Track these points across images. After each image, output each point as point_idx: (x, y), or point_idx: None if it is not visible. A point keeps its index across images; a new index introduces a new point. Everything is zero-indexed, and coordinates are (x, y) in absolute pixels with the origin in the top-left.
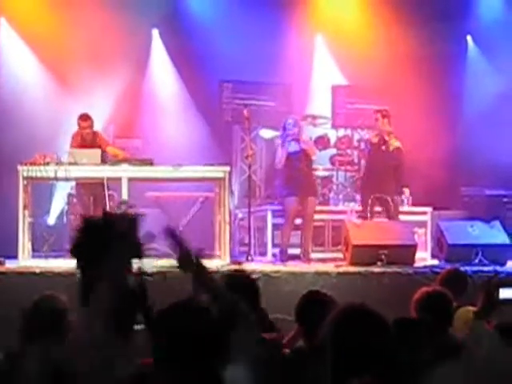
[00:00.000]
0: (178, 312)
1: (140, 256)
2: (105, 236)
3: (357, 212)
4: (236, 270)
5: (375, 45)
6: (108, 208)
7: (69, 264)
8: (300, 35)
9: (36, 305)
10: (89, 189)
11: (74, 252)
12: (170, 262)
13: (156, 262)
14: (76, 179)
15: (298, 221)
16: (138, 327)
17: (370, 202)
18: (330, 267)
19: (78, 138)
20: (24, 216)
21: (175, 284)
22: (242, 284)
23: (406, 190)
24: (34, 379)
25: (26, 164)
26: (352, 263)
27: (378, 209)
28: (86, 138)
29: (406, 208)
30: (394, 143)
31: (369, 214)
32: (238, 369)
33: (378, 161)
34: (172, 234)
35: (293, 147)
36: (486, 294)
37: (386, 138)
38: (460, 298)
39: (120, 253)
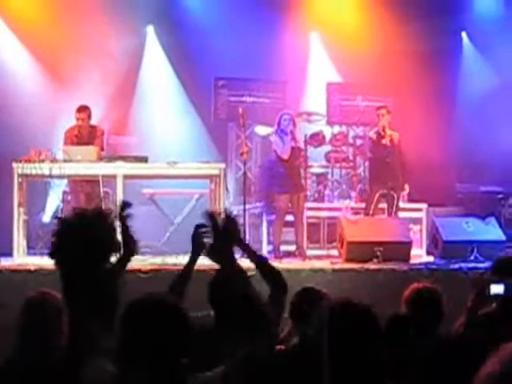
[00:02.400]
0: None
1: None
2: (79, 235)
3: (352, 208)
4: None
5: (370, 41)
6: (103, 205)
7: None
8: (295, 32)
9: (29, 302)
10: (81, 186)
11: (52, 253)
12: (162, 260)
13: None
14: (70, 176)
15: (291, 217)
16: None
17: (376, 198)
18: (325, 264)
19: (74, 132)
20: (19, 213)
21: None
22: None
23: (406, 187)
24: None
25: (20, 161)
26: (347, 260)
27: (382, 205)
28: (83, 133)
29: (401, 205)
30: (393, 135)
31: (372, 209)
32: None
33: (381, 155)
34: (212, 218)
35: (291, 143)
36: (476, 291)
37: (382, 132)
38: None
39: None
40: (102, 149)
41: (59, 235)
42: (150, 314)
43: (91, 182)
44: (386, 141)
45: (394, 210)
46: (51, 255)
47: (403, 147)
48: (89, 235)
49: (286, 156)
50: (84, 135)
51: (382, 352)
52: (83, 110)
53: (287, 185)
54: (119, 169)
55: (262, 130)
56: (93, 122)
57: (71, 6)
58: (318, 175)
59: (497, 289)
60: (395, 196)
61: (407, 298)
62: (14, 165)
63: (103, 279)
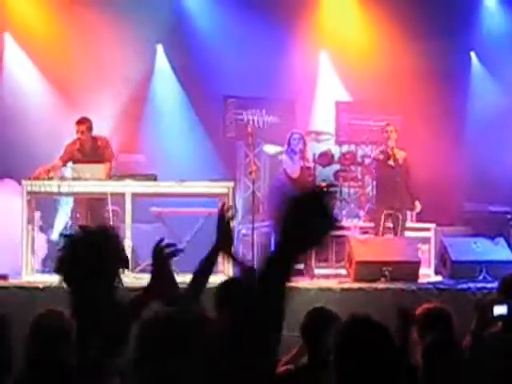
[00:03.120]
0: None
1: (125, 267)
2: (85, 251)
3: (361, 228)
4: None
5: (379, 60)
6: (111, 223)
7: None
8: (304, 51)
9: (37, 320)
10: (85, 204)
11: (58, 270)
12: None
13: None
14: (79, 194)
15: None
16: None
17: (383, 218)
18: (333, 283)
19: (75, 146)
20: (28, 231)
21: None
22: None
23: (417, 204)
24: None
25: (29, 178)
26: (355, 279)
27: (389, 225)
28: (85, 146)
29: (409, 224)
30: (400, 154)
31: (381, 229)
32: None
33: (388, 176)
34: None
35: (300, 163)
36: (479, 313)
37: (390, 152)
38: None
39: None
40: (112, 158)
41: (64, 251)
42: (166, 330)
43: (94, 200)
44: (391, 161)
45: (400, 229)
46: (56, 271)
47: (411, 166)
48: (94, 250)
49: (295, 175)
50: (86, 148)
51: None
52: (83, 122)
53: None
54: (128, 187)
55: (270, 149)
56: None
57: (81, 25)
58: None
59: (500, 310)
60: (400, 217)
61: (418, 318)
62: (23, 182)
63: (112, 299)
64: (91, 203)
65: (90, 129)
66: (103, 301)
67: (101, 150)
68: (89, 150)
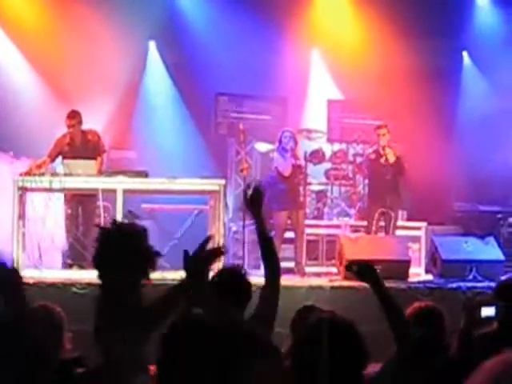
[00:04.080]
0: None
1: (151, 266)
2: (121, 247)
3: (351, 226)
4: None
5: (371, 59)
6: (100, 219)
7: (63, 275)
8: (296, 49)
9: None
10: (76, 201)
11: (96, 262)
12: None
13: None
14: (71, 190)
15: (291, 234)
16: None
17: (376, 216)
18: (323, 281)
19: (65, 140)
20: (18, 226)
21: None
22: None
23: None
24: None
25: (20, 174)
26: (346, 278)
27: (382, 224)
28: (75, 139)
29: (400, 223)
30: (393, 152)
31: (374, 228)
32: None
33: (379, 174)
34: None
35: (291, 161)
36: (467, 314)
37: (382, 151)
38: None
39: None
40: (102, 153)
41: (101, 244)
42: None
43: (84, 196)
44: (383, 160)
45: (392, 228)
46: (94, 262)
47: (403, 164)
48: (126, 246)
49: (286, 173)
50: (76, 142)
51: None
52: (73, 116)
53: (286, 202)
54: (119, 183)
55: (262, 147)
56: None
57: (73, 20)
58: (317, 192)
59: (488, 311)
60: (392, 215)
61: (409, 316)
62: (15, 178)
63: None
64: (82, 199)
65: (80, 123)
66: (131, 295)
67: (91, 144)
68: (79, 144)
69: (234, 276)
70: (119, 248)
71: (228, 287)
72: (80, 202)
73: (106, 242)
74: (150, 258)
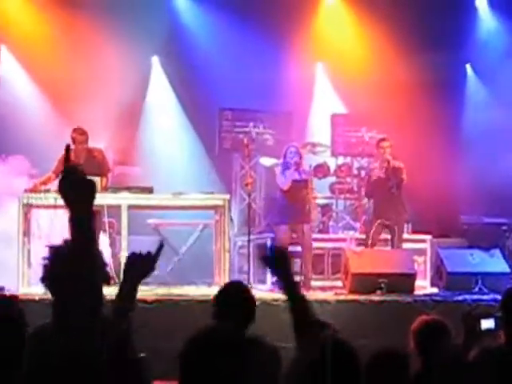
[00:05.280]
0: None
1: (107, 281)
2: (71, 263)
3: (356, 239)
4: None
5: (375, 73)
6: (107, 235)
7: None
8: (300, 63)
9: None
10: None
11: (45, 282)
12: (167, 290)
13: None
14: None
15: (298, 248)
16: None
17: (374, 228)
18: (329, 295)
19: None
20: (23, 243)
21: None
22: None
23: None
24: None
25: (25, 191)
26: (351, 291)
27: (383, 236)
28: (79, 157)
29: (405, 235)
30: (398, 166)
31: (370, 241)
32: None
33: (384, 188)
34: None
35: (293, 176)
36: (466, 327)
37: (386, 165)
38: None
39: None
40: (107, 172)
41: (50, 262)
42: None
43: (95, 212)
44: (389, 173)
45: (397, 241)
46: (42, 281)
47: (408, 178)
48: (74, 264)
49: (285, 187)
50: (80, 159)
51: None
52: (80, 132)
53: (286, 216)
54: (124, 199)
55: (266, 161)
56: None
57: (77, 36)
58: (322, 206)
59: (487, 324)
60: (396, 229)
61: (415, 330)
62: (19, 195)
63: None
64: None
65: (87, 140)
66: (86, 314)
67: (96, 162)
68: (83, 161)
69: (239, 291)
70: (65, 266)
71: (232, 302)
72: None
73: (54, 260)
74: (101, 277)
